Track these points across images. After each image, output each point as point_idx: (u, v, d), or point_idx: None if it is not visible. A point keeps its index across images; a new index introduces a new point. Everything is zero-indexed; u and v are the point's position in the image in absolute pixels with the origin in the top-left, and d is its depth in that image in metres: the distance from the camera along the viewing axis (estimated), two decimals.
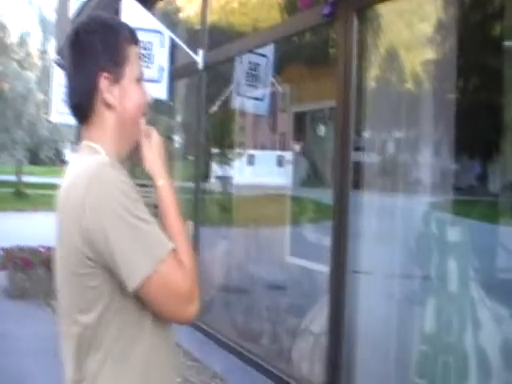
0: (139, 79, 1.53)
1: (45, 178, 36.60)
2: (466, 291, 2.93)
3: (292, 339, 4.14)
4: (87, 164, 1.39)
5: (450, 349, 2.90)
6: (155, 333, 1.43)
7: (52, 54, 29.76)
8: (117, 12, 5.56)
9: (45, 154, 30.43)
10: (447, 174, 3.55)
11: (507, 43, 4.01)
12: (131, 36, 1.54)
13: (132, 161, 1.62)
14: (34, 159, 35.20)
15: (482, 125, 4.02)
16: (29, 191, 28.30)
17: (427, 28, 3.66)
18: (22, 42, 29.64)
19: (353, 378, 3.23)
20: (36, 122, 27.89)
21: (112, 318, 1.37)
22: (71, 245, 1.34)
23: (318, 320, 3.80)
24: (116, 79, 1.47)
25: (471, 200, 3.95)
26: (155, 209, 1.53)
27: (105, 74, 1.45)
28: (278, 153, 7.01)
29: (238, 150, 7.29)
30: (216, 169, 7.27)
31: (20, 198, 27.18)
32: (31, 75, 28.25)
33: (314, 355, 3.69)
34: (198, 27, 5.28)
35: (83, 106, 1.49)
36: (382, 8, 3.21)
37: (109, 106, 1.48)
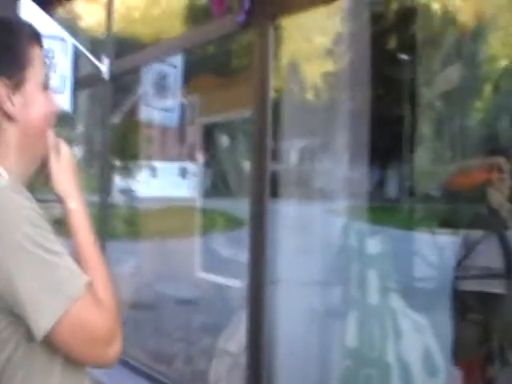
0: (45, 86, 1.32)
1: None
2: (387, 303, 2.91)
3: (208, 360, 3.97)
4: None
5: (373, 362, 2.86)
6: (65, 376, 1.23)
7: None
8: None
9: None
10: (363, 182, 3.58)
11: (403, 55, 4.13)
12: (34, 36, 1.32)
13: (39, 179, 1.40)
14: None
15: (394, 133, 4.09)
16: None
17: (336, 38, 3.70)
18: None
19: None
20: None
21: (17, 366, 1.15)
22: None
23: (235, 338, 3.65)
24: (17, 85, 1.25)
25: (389, 207, 4.03)
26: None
27: (3, 80, 1.23)
28: (182, 164, 6.86)
29: (142, 162, 7.09)
30: (120, 182, 7.01)
31: None
32: None
33: (233, 376, 3.55)
34: (102, 36, 5.04)
35: None
36: (298, 17, 3.17)
37: (9, 117, 1.25)
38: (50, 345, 1.14)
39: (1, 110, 1.23)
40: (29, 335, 1.12)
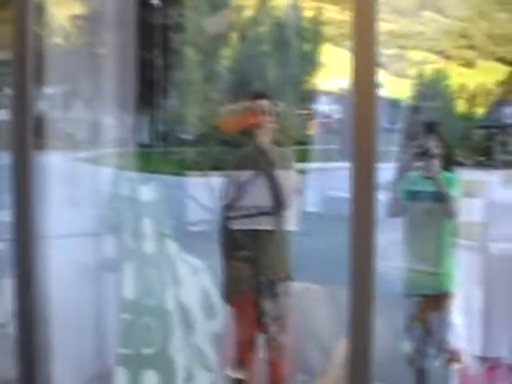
0: None
1: None
2: (163, 249, 2.87)
3: None
4: None
5: (152, 311, 2.82)
6: None
7: None
8: None
9: None
10: (122, 129, 3.46)
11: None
12: None
13: None
14: None
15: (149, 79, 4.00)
16: None
17: None
18: None
19: (52, 364, 2.91)
20: None
21: None
22: None
23: None
24: None
25: (150, 152, 3.94)
26: None
27: None
28: None
29: None
30: None
31: None
32: None
33: (1, 349, 3.24)
34: None
35: None
36: None
37: None
38: None
39: None
40: None
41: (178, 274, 2.85)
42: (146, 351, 2.78)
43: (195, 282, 2.90)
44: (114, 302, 2.95)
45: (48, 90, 3.64)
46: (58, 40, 3.86)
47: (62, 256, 3.01)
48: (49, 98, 3.67)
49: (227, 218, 3.05)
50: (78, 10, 3.73)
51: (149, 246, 2.84)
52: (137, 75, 3.64)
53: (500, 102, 23.29)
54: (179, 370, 2.78)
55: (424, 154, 3.14)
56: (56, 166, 3.27)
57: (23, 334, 2.85)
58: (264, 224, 2.97)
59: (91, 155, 3.44)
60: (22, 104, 2.76)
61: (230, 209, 3.02)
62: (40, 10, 3.55)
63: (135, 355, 2.79)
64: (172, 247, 2.89)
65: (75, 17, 3.82)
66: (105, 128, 3.51)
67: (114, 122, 3.63)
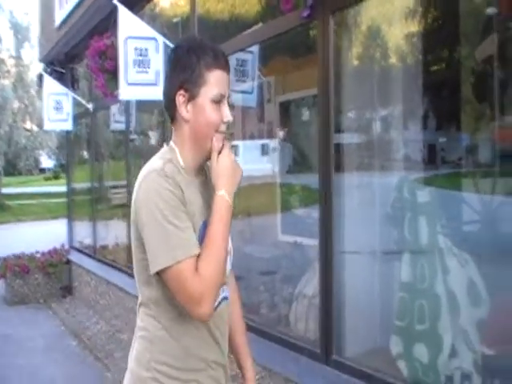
0: (217, 101, 1.77)
1: (23, 188, 36.61)
2: (435, 244, 3.56)
3: (288, 305, 4.80)
4: (149, 166, 1.75)
5: (425, 294, 3.50)
6: None
7: (28, 60, 29.72)
8: (108, 18, 6.13)
9: (23, 163, 30.08)
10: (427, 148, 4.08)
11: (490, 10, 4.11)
12: (214, 61, 1.76)
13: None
14: (10, 170, 34.90)
15: (447, 97, 4.39)
16: (9, 202, 28.45)
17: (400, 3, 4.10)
18: None
19: (343, 333, 3.88)
20: (13, 130, 27.87)
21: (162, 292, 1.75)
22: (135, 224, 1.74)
23: (310, 284, 4.44)
24: (191, 97, 1.75)
25: (440, 174, 4.50)
26: None
27: (181, 92, 1.75)
28: (262, 141, 7.32)
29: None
30: None
31: (1, 209, 27.26)
32: (6, 83, 28.14)
33: (309, 315, 4.34)
34: (187, 28, 5.82)
35: (168, 110, 1.84)
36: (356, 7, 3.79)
37: (184, 119, 1.78)
38: None
39: (180, 114, 1.79)
40: None
41: (448, 264, 3.49)
42: (419, 327, 3.50)
43: (463, 272, 3.50)
44: (393, 284, 3.79)
45: (383, 111, 4.35)
46: (393, 60, 4.46)
47: (355, 246, 3.95)
48: (384, 120, 4.34)
49: None
50: (413, 28, 4.08)
51: (423, 240, 3.58)
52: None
53: None
54: (445, 346, 3.37)
55: None
56: (359, 184, 4.19)
57: (324, 305, 3.83)
58: None
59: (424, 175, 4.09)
60: (325, 130, 3.65)
61: None
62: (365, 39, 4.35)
63: (408, 328, 3.54)
64: (444, 242, 3.56)
65: (409, 35, 4.32)
66: (437, 148, 4.10)
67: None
